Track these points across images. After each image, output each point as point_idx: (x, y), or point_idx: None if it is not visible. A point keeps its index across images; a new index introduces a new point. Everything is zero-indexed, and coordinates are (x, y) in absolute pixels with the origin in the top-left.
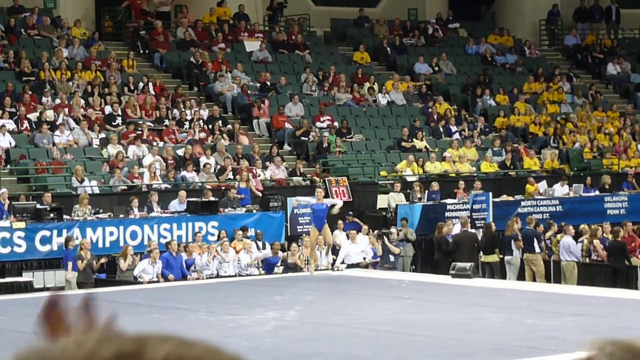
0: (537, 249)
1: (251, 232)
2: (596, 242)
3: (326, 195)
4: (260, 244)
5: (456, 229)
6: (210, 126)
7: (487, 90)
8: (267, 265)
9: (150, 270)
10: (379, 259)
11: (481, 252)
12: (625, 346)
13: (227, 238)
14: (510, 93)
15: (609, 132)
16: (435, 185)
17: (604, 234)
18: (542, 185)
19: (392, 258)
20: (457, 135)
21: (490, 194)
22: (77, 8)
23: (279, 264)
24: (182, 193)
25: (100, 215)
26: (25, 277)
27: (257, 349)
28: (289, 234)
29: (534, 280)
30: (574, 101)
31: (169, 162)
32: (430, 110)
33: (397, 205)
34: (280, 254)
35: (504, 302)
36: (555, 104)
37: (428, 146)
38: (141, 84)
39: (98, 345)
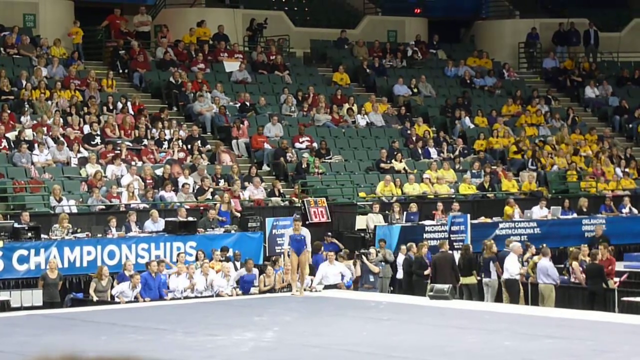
0: None
1: (229, 252)
2: (575, 264)
3: (306, 217)
4: (238, 264)
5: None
6: (189, 146)
7: (465, 112)
8: (243, 284)
9: (129, 293)
10: (351, 285)
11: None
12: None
13: (207, 259)
14: (489, 115)
15: (586, 155)
16: (413, 207)
17: (582, 256)
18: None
19: (371, 278)
20: (435, 157)
21: (469, 215)
22: (57, 27)
23: (255, 284)
24: (155, 212)
25: (78, 235)
26: (3, 296)
27: None
28: (267, 255)
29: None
30: (552, 124)
31: (148, 181)
32: (409, 132)
33: (375, 226)
34: (255, 270)
35: (481, 324)
36: (534, 126)
37: (407, 167)
38: (120, 104)
39: None
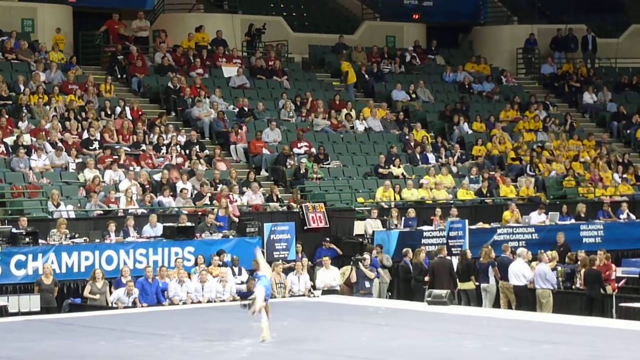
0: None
1: (227, 257)
2: (583, 271)
3: (304, 222)
4: (236, 269)
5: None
6: (187, 151)
7: (464, 118)
8: (242, 294)
9: (126, 300)
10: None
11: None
12: None
13: (205, 264)
14: (487, 121)
15: (584, 160)
16: (411, 212)
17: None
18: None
19: (367, 284)
20: (434, 163)
21: (467, 221)
22: (55, 32)
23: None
24: (153, 217)
25: (75, 240)
26: (0, 301)
27: None
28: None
29: (509, 307)
30: (550, 129)
31: (146, 187)
32: (407, 137)
33: (373, 231)
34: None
35: (480, 330)
36: (532, 132)
37: (405, 173)
38: (118, 109)
39: None
